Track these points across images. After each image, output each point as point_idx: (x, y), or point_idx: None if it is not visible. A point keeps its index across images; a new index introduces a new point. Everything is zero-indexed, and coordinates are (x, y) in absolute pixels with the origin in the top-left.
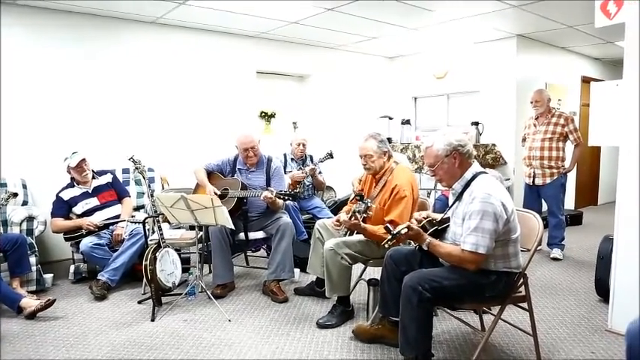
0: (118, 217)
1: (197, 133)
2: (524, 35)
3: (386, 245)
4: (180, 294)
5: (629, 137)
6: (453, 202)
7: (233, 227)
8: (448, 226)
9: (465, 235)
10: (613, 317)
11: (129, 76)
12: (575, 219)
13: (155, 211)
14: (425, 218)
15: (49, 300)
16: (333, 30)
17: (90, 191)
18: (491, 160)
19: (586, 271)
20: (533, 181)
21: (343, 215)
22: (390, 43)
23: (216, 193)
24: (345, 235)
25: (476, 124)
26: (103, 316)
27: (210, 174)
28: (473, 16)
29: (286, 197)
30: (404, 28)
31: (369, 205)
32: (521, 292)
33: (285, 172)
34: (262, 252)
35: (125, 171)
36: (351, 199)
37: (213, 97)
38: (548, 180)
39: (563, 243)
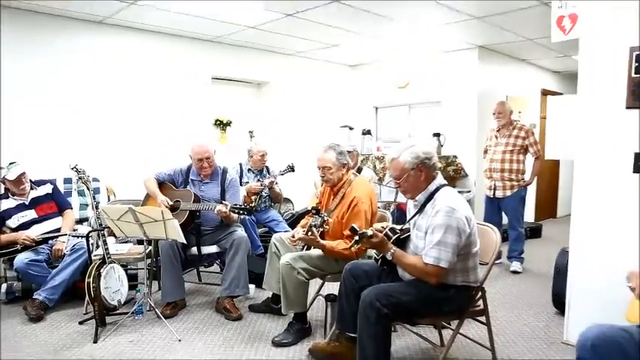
0: (58, 230)
1: (147, 141)
2: (485, 46)
3: (352, 248)
4: (126, 313)
5: (583, 151)
6: (415, 214)
7: (185, 242)
8: (409, 236)
9: (428, 249)
10: (568, 329)
11: (72, 78)
12: (534, 232)
13: (100, 225)
14: (384, 228)
15: None
16: (292, 36)
17: (27, 203)
18: (453, 172)
19: (544, 283)
20: (494, 194)
21: (299, 230)
22: (351, 51)
23: (168, 204)
24: (302, 249)
25: (437, 135)
26: (39, 339)
27: (161, 184)
28: (434, 25)
29: (241, 212)
30: (365, 36)
31: (326, 218)
32: (479, 305)
33: (241, 182)
34: (215, 267)
35: (67, 181)
36: (309, 208)
37: (165, 102)
38: (508, 192)
39: (522, 256)
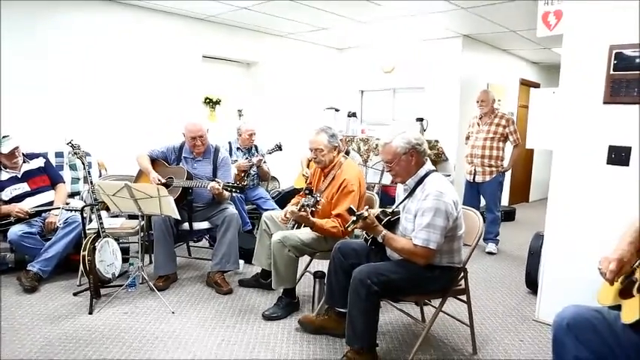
0: (50, 204)
1: (138, 117)
2: (469, 36)
3: (349, 228)
4: (120, 285)
5: (561, 142)
6: (405, 197)
7: (179, 218)
8: (398, 218)
9: (417, 231)
10: (540, 308)
11: (64, 54)
12: (508, 215)
13: (95, 199)
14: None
15: None
16: (283, 18)
17: (19, 176)
18: (434, 156)
19: (517, 264)
20: (474, 178)
21: (291, 208)
22: (340, 34)
23: (160, 182)
24: (292, 228)
25: (420, 120)
26: (34, 309)
27: (153, 161)
28: (421, 14)
29: (234, 189)
30: (353, 21)
31: (319, 199)
32: (461, 285)
33: None
34: (204, 242)
35: (59, 154)
36: (295, 187)
37: (156, 79)
38: (487, 178)
39: (497, 238)
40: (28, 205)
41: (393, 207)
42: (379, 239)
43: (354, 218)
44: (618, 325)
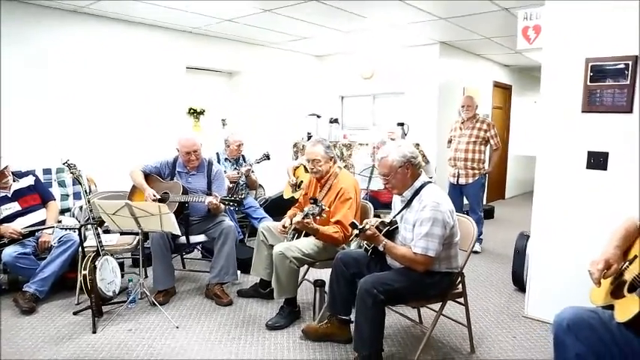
0: (42, 222)
1: (123, 130)
2: (446, 42)
3: (352, 240)
4: (122, 302)
5: (544, 149)
6: (402, 208)
7: (179, 233)
8: (397, 227)
9: (417, 240)
10: (529, 305)
11: (46, 68)
12: (487, 213)
13: (93, 218)
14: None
15: None
16: (266, 29)
17: (9, 195)
18: None
19: (502, 262)
20: (457, 181)
21: (287, 220)
22: (321, 43)
23: (155, 197)
24: (292, 238)
25: (401, 124)
26: (36, 331)
27: (147, 177)
28: (403, 24)
29: (231, 203)
30: (336, 31)
31: (324, 208)
32: (458, 288)
33: None
34: (196, 253)
35: (46, 171)
36: (285, 197)
37: (140, 92)
38: (470, 180)
39: (481, 237)
40: (20, 224)
41: (391, 217)
42: (380, 248)
43: (357, 232)
44: (613, 324)
